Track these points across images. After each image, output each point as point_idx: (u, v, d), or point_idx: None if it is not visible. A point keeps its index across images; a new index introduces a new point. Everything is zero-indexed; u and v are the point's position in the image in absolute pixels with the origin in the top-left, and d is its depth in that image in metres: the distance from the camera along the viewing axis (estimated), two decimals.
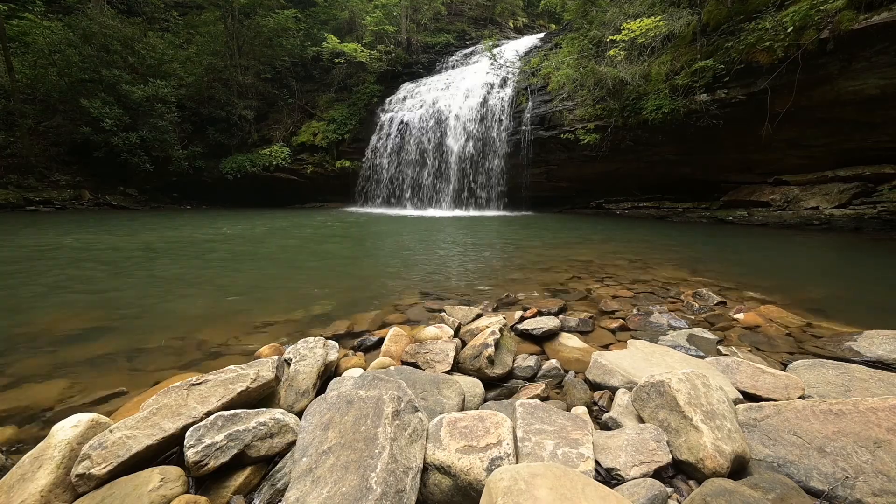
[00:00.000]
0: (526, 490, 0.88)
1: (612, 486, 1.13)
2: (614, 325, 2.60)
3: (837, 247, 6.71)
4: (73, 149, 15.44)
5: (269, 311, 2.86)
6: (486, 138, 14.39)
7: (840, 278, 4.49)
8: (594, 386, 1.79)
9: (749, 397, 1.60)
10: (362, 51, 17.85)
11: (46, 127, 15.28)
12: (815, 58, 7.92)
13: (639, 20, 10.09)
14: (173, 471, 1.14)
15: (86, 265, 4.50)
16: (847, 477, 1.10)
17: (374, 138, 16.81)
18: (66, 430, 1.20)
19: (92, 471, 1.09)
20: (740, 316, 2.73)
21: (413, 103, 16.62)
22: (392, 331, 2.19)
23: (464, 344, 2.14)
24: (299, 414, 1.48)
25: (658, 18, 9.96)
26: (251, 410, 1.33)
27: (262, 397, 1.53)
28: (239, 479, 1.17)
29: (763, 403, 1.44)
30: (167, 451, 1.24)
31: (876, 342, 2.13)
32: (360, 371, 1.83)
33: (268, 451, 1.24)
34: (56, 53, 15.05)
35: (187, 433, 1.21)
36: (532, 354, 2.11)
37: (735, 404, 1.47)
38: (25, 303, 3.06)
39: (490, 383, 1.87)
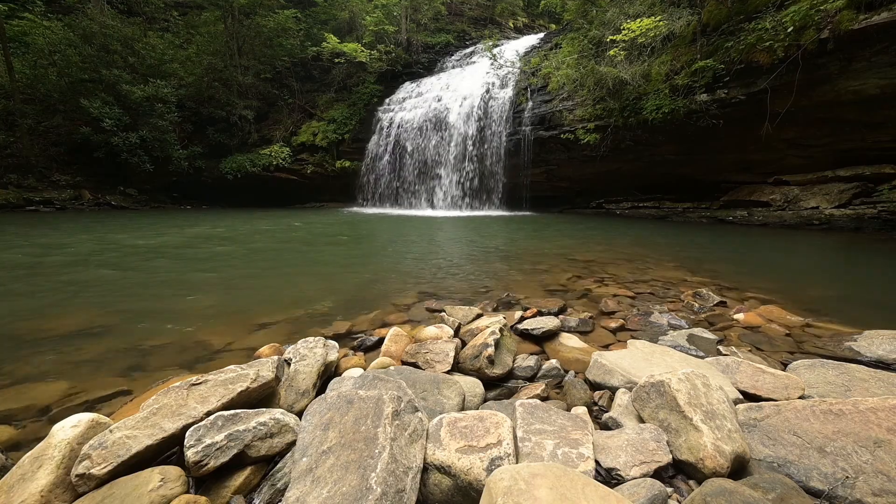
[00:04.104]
0: (526, 490, 0.88)
1: (612, 485, 1.13)
2: (614, 324, 2.60)
3: (837, 247, 6.71)
4: (73, 149, 15.44)
5: (269, 311, 2.85)
6: (486, 138, 14.39)
7: (840, 278, 4.49)
8: (594, 386, 1.79)
9: (749, 397, 1.60)
10: (362, 51, 17.85)
11: (46, 127, 15.28)
12: (815, 58, 7.92)
13: (639, 20, 10.09)
14: (173, 471, 1.14)
15: (85, 265, 4.50)
16: (847, 477, 1.10)
17: (374, 138, 16.82)
18: (66, 430, 1.20)
19: (92, 471, 1.09)
20: (740, 316, 2.73)
21: (413, 103, 16.63)
22: (392, 331, 2.19)
23: (464, 344, 2.14)
24: (299, 414, 1.48)
25: (658, 18, 9.96)
26: (251, 410, 1.33)
27: (262, 397, 1.53)
28: (239, 479, 1.17)
29: (763, 403, 1.44)
30: (167, 451, 1.24)
31: (876, 342, 2.13)
32: (360, 371, 1.83)
33: (268, 451, 1.24)
34: (56, 53, 15.05)
35: (187, 433, 1.21)
36: (532, 354, 2.11)
37: (735, 404, 1.47)
38: (26, 303, 3.06)
39: (490, 383, 1.87)
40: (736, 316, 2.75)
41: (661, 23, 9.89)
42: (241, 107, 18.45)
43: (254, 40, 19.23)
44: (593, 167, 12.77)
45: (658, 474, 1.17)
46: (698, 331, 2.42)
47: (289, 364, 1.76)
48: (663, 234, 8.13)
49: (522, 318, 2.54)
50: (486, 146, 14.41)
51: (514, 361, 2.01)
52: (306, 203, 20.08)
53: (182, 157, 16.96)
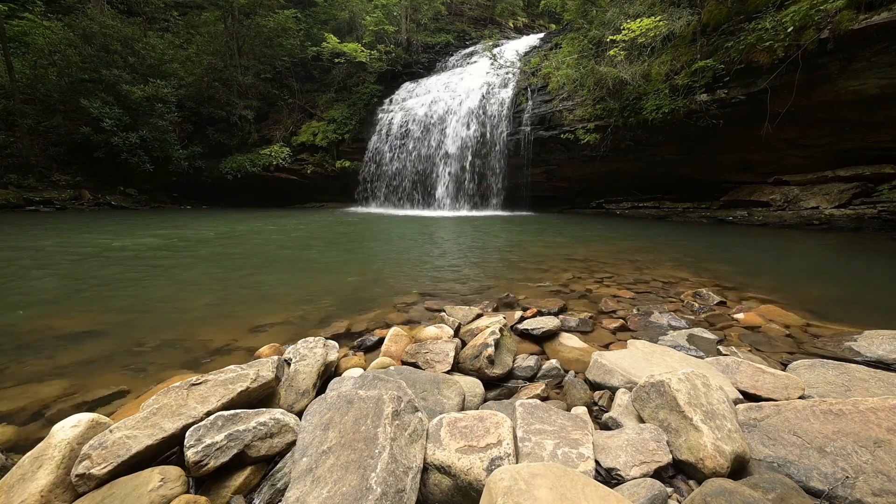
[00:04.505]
0: (526, 490, 0.88)
1: (612, 485, 1.13)
2: (614, 324, 2.60)
3: (837, 247, 6.71)
4: (73, 149, 15.44)
5: (269, 311, 2.86)
6: (486, 138, 14.39)
7: (840, 278, 4.49)
8: (594, 386, 1.79)
9: (749, 397, 1.60)
10: (362, 51, 17.85)
11: (46, 127, 15.28)
12: (815, 58, 7.93)
13: (639, 20, 10.09)
14: (173, 471, 1.14)
15: (85, 265, 4.50)
16: (847, 477, 1.10)
17: (374, 138, 16.82)
18: (66, 430, 1.20)
19: (92, 471, 1.09)
20: (740, 316, 2.73)
21: (413, 103, 16.62)
22: (392, 331, 2.19)
23: (464, 344, 2.14)
24: (299, 414, 1.48)
25: (658, 18, 9.96)
26: (251, 410, 1.33)
27: (262, 397, 1.53)
28: (239, 479, 1.17)
29: (763, 403, 1.44)
30: (167, 451, 1.24)
31: (876, 342, 2.13)
32: (360, 371, 1.83)
33: (268, 451, 1.24)
34: (56, 53, 15.05)
35: (187, 433, 1.21)
36: (532, 354, 2.11)
37: (735, 404, 1.47)
38: (26, 303, 3.06)
39: (490, 383, 1.87)
40: (736, 316, 2.75)
41: (661, 23, 9.89)
42: (241, 107, 18.45)
43: (254, 40, 19.23)
44: (593, 167, 12.77)
45: (658, 474, 1.17)
46: (698, 331, 2.42)
47: (289, 364, 1.76)
48: (663, 235, 8.13)
49: (522, 318, 2.54)
50: (485, 146, 14.40)
51: (514, 361, 2.01)
52: (306, 203, 20.08)
53: (182, 157, 16.95)
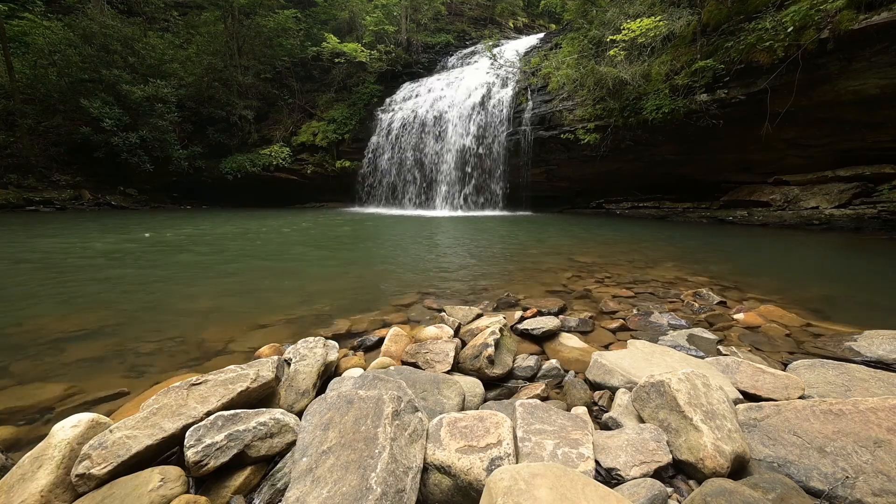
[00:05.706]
0: (526, 490, 0.88)
1: (612, 485, 1.13)
2: (614, 324, 2.60)
3: (837, 247, 6.71)
4: (73, 149, 15.44)
5: (269, 311, 2.86)
6: (486, 138, 14.39)
7: (840, 278, 4.49)
8: (594, 386, 1.79)
9: (749, 397, 1.60)
10: (362, 51, 17.85)
11: (46, 127, 15.28)
12: (815, 58, 7.93)
13: (639, 20, 10.09)
14: (173, 471, 1.14)
15: (85, 265, 4.50)
16: (847, 477, 1.10)
17: (374, 138, 16.82)
18: (66, 430, 1.20)
19: (92, 471, 1.09)
20: (740, 316, 2.73)
21: (413, 103, 16.62)
22: (392, 331, 2.19)
23: (464, 344, 2.14)
24: (299, 414, 1.49)
25: (658, 18, 9.96)
26: (251, 410, 1.33)
27: (262, 397, 1.53)
28: (239, 479, 1.17)
29: (763, 403, 1.44)
30: (167, 451, 1.24)
31: (876, 342, 2.13)
32: (360, 371, 1.83)
33: (268, 451, 1.24)
34: (56, 53, 15.06)
35: (187, 433, 1.21)
36: (532, 354, 2.11)
37: (735, 404, 1.47)
38: (25, 303, 3.06)
39: (490, 383, 1.87)
40: (736, 316, 2.75)
41: (661, 23, 9.89)
42: (241, 107, 18.46)
43: (254, 40, 19.23)
44: (593, 167, 12.76)
45: (658, 474, 1.17)
46: (698, 331, 2.42)
47: (289, 364, 1.76)
48: (663, 235, 8.13)
49: (522, 318, 2.54)
50: (485, 146, 14.40)
51: (514, 361, 2.01)
52: (306, 203, 20.08)
53: (182, 157, 16.96)
